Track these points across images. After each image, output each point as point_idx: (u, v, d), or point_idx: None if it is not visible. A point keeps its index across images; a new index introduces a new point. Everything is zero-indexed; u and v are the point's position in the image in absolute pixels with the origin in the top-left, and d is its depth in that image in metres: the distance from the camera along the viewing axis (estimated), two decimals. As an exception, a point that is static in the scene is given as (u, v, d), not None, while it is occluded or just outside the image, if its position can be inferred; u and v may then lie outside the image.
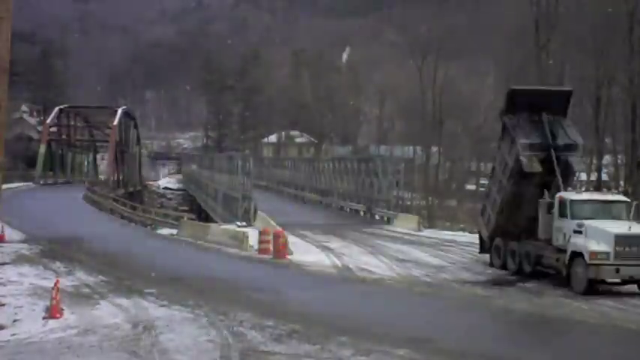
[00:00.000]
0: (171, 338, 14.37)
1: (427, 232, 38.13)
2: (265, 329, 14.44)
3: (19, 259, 24.25)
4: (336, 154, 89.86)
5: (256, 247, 27.74)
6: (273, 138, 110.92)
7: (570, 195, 21.03)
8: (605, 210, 20.80)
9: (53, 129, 70.78)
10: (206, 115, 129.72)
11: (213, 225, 37.00)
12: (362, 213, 46.99)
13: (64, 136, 73.15)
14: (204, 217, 53.93)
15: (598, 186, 49.01)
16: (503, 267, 23.64)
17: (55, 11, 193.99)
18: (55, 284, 17.19)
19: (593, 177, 50.63)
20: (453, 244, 32.24)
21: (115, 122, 69.36)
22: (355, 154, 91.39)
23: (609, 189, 53.84)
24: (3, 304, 16.92)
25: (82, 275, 21.63)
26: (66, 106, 76.72)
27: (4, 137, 15.63)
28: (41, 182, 65.43)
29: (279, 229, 29.44)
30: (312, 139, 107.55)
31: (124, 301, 17.99)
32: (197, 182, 76.63)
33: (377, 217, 44.77)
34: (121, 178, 69.40)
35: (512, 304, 18.27)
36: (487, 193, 25.55)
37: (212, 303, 17.54)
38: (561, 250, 20.46)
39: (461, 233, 38.90)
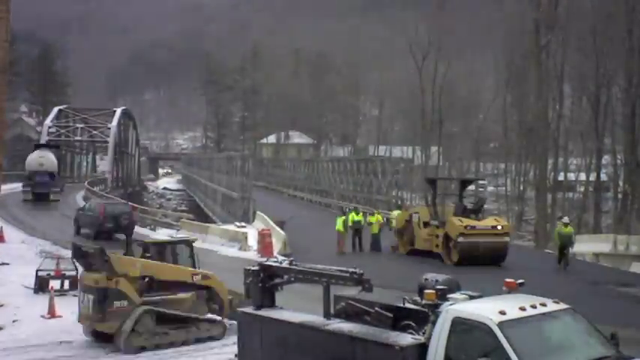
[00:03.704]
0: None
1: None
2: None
3: (19, 260, 24.22)
4: (335, 155, 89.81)
5: (255, 247, 27.74)
6: (272, 138, 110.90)
7: None
8: None
9: (52, 129, 70.62)
10: (205, 116, 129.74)
11: (212, 225, 36.97)
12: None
13: (63, 137, 73.01)
14: (203, 217, 53.87)
15: (597, 186, 49.05)
16: None
17: (55, 11, 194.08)
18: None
19: (593, 177, 50.64)
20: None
21: (114, 123, 69.32)
22: (354, 154, 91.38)
23: (607, 189, 54.00)
24: (2, 305, 16.90)
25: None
26: (65, 106, 76.63)
27: (3, 138, 15.61)
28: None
29: (279, 229, 29.51)
30: (312, 139, 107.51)
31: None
32: (196, 183, 76.65)
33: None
34: (120, 178, 69.37)
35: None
36: None
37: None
38: None
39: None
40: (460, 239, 23.42)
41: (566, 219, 25.79)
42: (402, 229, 27.51)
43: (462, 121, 77.05)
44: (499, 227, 24.31)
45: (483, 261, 22.76)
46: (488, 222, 24.88)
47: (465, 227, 23.57)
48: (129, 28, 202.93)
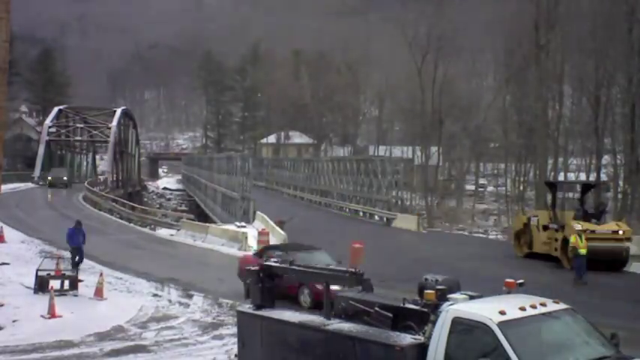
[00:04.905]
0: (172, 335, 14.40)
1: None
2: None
3: (19, 260, 24.22)
4: (336, 155, 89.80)
5: (255, 247, 27.75)
6: (272, 138, 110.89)
7: None
8: None
9: (52, 129, 70.68)
10: (205, 116, 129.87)
11: (212, 225, 36.98)
12: (361, 214, 46.98)
13: (63, 137, 73.09)
14: (203, 217, 53.89)
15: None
16: None
17: (54, 11, 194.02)
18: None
19: (593, 177, 50.63)
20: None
21: (114, 123, 69.38)
22: (354, 154, 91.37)
23: (608, 189, 53.91)
24: (2, 305, 16.88)
25: (81, 275, 21.60)
26: (65, 106, 76.68)
27: (3, 137, 15.61)
28: (40, 183, 65.37)
29: (278, 229, 29.53)
30: (312, 139, 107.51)
31: (122, 301, 17.97)
32: (196, 183, 76.64)
33: (376, 217, 44.75)
34: (120, 178, 69.34)
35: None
36: None
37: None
38: None
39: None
40: None
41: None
42: (520, 232, 27.70)
43: (462, 121, 76.96)
44: (620, 232, 23.91)
45: (602, 266, 22.34)
46: (609, 226, 24.54)
47: (584, 231, 22.76)
48: (129, 28, 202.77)
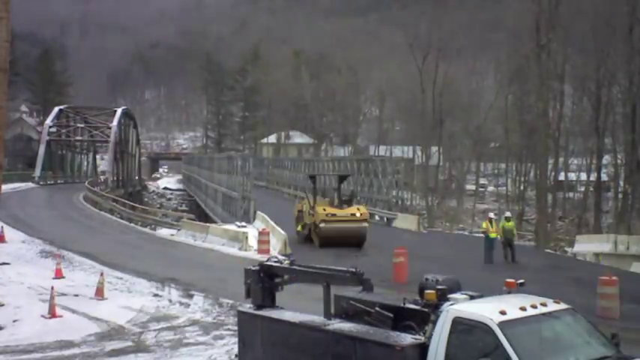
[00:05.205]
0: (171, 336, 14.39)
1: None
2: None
3: (19, 259, 24.22)
4: (336, 155, 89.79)
5: (256, 247, 27.78)
6: (272, 138, 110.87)
7: None
8: None
9: (53, 129, 70.70)
10: (206, 115, 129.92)
11: (212, 225, 36.93)
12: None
13: (63, 137, 73.12)
14: (203, 217, 53.87)
15: (598, 186, 49.04)
16: None
17: (54, 11, 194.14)
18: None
19: (593, 177, 50.63)
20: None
21: (115, 123, 69.39)
22: (355, 154, 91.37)
23: (608, 189, 54.04)
24: (2, 304, 16.89)
25: (82, 275, 21.62)
26: (66, 106, 76.73)
27: (3, 137, 15.60)
28: (40, 182, 65.41)
29: (279, 229, 29.51)
30: (312, 139, 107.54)
31: (123, 301, 17.97)
32: (197, 183, 76.63)
33: (377, 217, 44.69)
34: (120, 178, 69.36)
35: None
36: None
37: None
38: None
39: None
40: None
41: (508, 213, 27.78)
42: (298, 217, 31.31)
43: (463, 121, 77.06)
44: (358, 215, 28.36)
45: (346, 242, 27.00)
46: (350, 210, 28.72)
47: (327, 215, 27.63)
48: (129, 28, 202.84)
